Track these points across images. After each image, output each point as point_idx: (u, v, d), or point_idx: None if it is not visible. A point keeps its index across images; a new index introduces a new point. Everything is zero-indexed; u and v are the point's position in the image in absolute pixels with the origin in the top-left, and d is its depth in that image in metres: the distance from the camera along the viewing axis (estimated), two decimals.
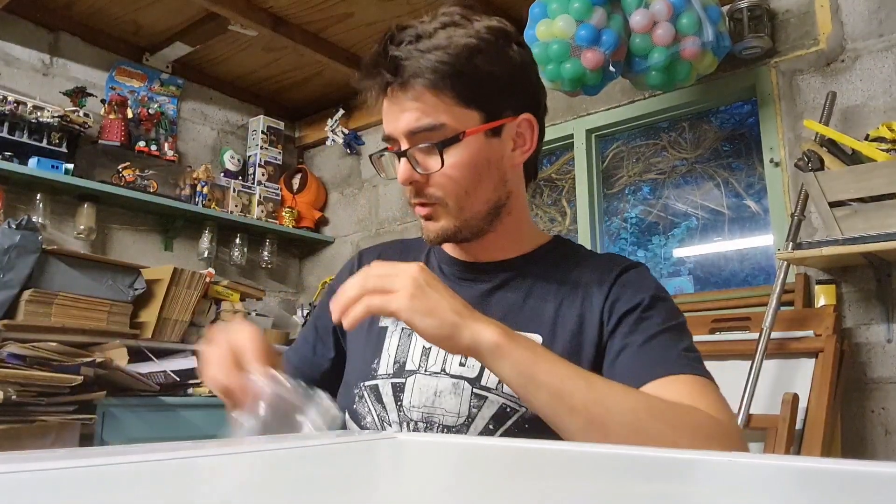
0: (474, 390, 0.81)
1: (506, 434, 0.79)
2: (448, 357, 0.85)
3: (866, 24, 2.08)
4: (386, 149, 0.88)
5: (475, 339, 0.66)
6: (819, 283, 2.03)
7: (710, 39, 1.98)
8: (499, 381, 0.80)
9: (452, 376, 0.83)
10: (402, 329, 0.89)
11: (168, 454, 0.42)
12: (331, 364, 0.98)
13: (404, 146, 0.83)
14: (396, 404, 0.84)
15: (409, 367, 0.86)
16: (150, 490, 0.32)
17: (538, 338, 0.82)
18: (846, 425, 1.89)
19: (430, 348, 0.86)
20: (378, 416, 0.86)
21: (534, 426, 0.77)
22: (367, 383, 0.88)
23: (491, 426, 0.79)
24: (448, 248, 0.97)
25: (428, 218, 0.85)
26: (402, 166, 0.83)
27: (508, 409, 0.79)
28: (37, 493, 0.29)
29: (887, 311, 1.92)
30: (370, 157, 0.92)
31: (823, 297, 2.00)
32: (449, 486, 0.36)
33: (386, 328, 0.91)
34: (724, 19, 2.13)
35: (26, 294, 2.09)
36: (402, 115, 0.82)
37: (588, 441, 0.63)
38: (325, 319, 0.93)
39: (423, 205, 0.85)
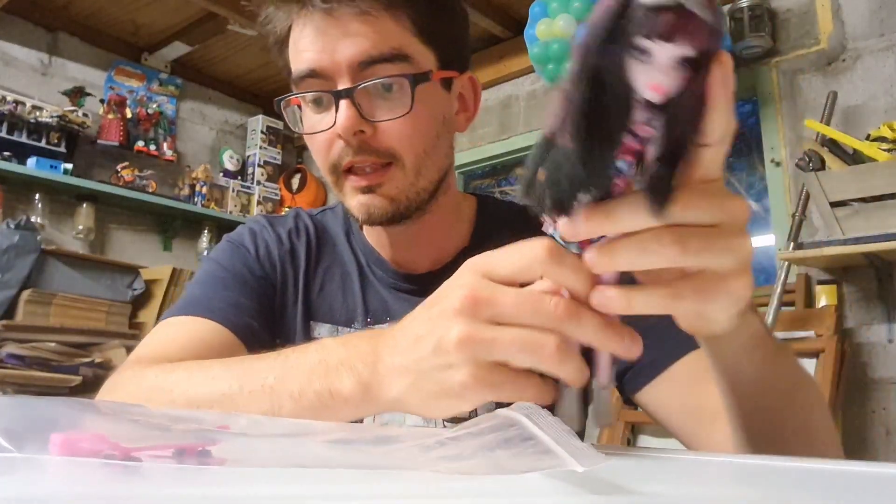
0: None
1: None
2: None
3: (867, 23, 2.07)
4: (306, 89, 0.64)
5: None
6: (820, 283, 2.03)
7: None
8: None
9: None
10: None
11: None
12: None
13: (346, 83, 0.62)
14: None
15: None
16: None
17: None
18: (847, 425, 1.88)
19: None
20: None
21: None
22: None
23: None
24: (373, 241, 0.76)
25: (370, 189, 0.64)
26: (346, 110, 0.61)
27: None
28: None
29: (888, 312, 1.91)
30: (278, 101, 0.67)
31: (824, 297, 2.00)
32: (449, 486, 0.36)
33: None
34: (725, 19, 2.13)
35: (25, 294, 2.08)
36: (346, 39, 0.61)
37: None
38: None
39: (367, 167, 0.64)
